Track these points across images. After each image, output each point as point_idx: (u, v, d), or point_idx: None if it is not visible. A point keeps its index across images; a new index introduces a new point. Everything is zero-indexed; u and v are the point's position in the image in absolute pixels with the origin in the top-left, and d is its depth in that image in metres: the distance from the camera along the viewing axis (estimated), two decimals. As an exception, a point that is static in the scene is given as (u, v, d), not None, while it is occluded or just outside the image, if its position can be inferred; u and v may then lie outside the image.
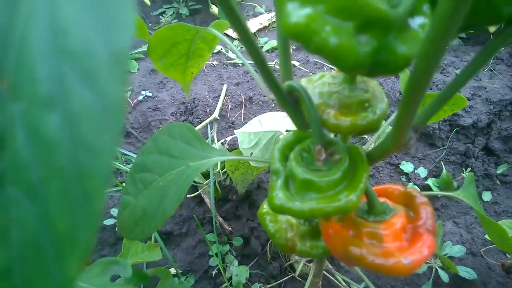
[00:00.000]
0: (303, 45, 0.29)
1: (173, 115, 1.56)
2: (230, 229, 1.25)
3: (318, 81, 0.54)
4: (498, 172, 1.53)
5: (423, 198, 0.60)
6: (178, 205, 0.55)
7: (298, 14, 0.28)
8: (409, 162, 1.51)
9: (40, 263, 0.19)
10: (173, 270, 1.15)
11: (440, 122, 1.50)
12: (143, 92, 1.67)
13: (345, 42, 0.29)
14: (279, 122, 0.90)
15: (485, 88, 1.63)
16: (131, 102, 1.59)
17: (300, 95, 0.49)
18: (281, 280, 1.23)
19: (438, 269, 1.26)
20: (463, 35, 2.10)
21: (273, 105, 1.54)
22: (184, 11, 2.41)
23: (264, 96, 1.60)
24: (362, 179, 0.49)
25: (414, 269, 0.51)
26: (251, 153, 0.94)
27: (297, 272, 1.19)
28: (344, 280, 1.23)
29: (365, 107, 0.51)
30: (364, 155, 0.51)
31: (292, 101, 0.52)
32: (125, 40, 0.16)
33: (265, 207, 0.68)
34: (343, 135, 0.59)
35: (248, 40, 0.38)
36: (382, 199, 0.60)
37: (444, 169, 1.48)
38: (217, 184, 1.22)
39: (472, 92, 1.61)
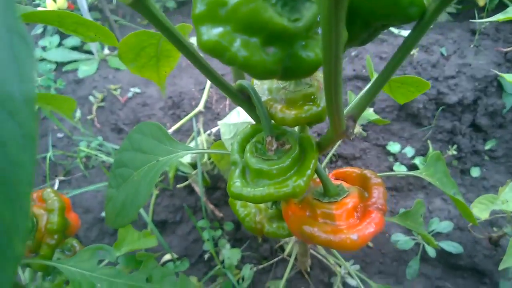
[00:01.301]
0: (219, 59, 0.35)
1: (161, 110, 1.62)
2: (221, 215, 1.32)
3: (268, 78, 0.59)
4: (486, 148, 1.57)
5: (377, 179, 0.65)
6: (148, 197, 0.61)
7: (210, 33, 0.34)
8: (396, 143, 1.55)
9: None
10: (169, 256, 1.22)
11: (425, 101, 1.54)
12: (132, 89, 1.73)
13: (252, 55, 0.34)
14: (244, 115, 0.95)
15: (470, 65, 1.66)
16: (121, 99, 1.66)
17: (249, 93, 0.54)
18: (273, 261, 1.29)
19: (425, 245, 1.31)
20: (453, 10, 2.12)
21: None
22: (171, 4, 2.45)
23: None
24: (310, 165, 0.54)
25: (362, 244, 0.56)
26: (232, 143, 0.99)
27: (286, 253, 1.25)
28: (333, 260, 1.29)
29: (310, 100, 0.56)
30: (314, 143, 0.57)
31: (244, 98, 0.57)
32: (31, 87, 0.21)
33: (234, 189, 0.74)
34: (301, 127, 0.64)
35: (182, 48, 0.43)
36: (339, 182, 0.66)
37: (430, 148, 1.52)
38: (205, 174, 1.28)
39: (457, 70, 1.64)
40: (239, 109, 0.99)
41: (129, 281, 0.68)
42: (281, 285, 1.24)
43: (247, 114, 0.98)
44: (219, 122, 1.08)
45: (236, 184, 0.55)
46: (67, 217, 0.75)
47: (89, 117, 1.63)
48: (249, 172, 0.55)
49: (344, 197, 0.60)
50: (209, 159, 1.26)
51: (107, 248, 0.66)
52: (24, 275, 0.83)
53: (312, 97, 0.56)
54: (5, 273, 0.26)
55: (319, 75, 0.59)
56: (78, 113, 1.65)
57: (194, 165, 1.29)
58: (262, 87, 0.57)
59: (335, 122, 0.50)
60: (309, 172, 0.54)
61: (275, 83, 0.57)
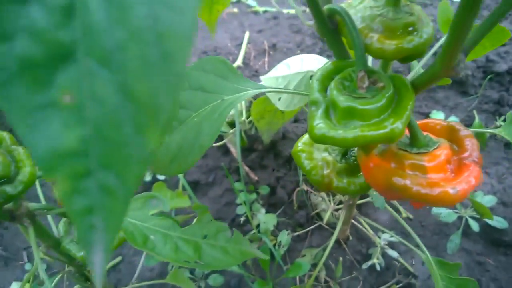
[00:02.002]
0: None
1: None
2: (256, 178, 1.25)
3: (359, 5, 0.51)
4: (533, 121, 1.49)
5: (467, 131, 0.58)
6: (213, 139, 0.54)
7: None
8: (440, 111, 1.47)
9: (118, 139, 0.18)
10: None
11: (473, 68, 1.46)
12: (164, 45, 1.64)
13: None
14: (309, 64, 0.88)
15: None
16: None
17: (342, 18, 0.47)
18: (308, 229, 1.23)
19: (468, 218, 1.24)
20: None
21: (298, 51, 1.51)
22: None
23: (289, 43, 1.56)
24: (408, 106, 0.47)
25: (460, 198, 0.50)
26: (279, 98, 0.92)
27: (325, 220, 1.19)
28: (371, 228, 1.23)
29: (410, 31, 0.49)
30: (408, 83, 0.50)
31: (332, 27, 0.50)
32: None
33: (299, 145, 0.67)
34: (383, 65, 0.57)
35: None
36: (425, 133, 0.59)
37: (476, 118, 1.44)
38: (242, 133, 1.21)
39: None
40: (288, 62, 0.92)
41: (184, 234, 0.62)
42: (324, 255, 1.18)
43: (301, 66, 0.91)
44: (262, 77, 1.00)
45: (319, 125, 0.48)
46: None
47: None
48: (336, 112, 0.48)
49: (435, 148, 0.54)
50: (247, 117, 1.19)
51: (160, 197, 0.60)
52: (58, 228, 0.78)
53: (411, 28, 0.49)
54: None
55: (417, 7, 0.52)
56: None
57: (230, 124, 1.22)
58: (355, 16, 0.50)
59: (449, 55, 0.43)
60: (407, 113, 0.47)
61: (368, 11, 0.50)
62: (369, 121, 0.47)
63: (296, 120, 1.32)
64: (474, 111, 1.46)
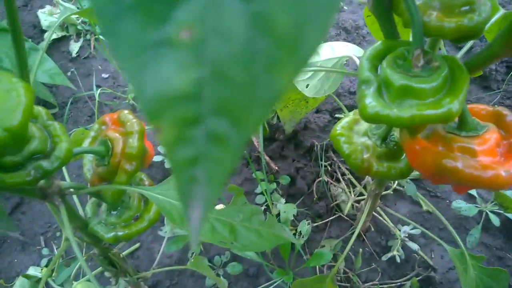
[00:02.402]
0: None
1: None
2: (276, 168, 1.24)
3: (416, -18, 0.50)
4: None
5: (513, 117, 0.57)
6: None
7: None
8: (458, 106, 1.45)
9: (242, 79, 0.16)
10: (221, 206, 1.15)
11: (497, 63, 1.44)
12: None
13: None
14: (341, 50, 0.86)
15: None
16: None
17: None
18: (328, 220, 1.22)
19: (489, 213, 1.23)
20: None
21: (322, 42, 1.49)
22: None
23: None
24: (463, 87, 0.46)
25: (512, 182, 0.48)
26: (307, 85, 0.90)
27: (346, 211, 1.18)
28: (391, 221, 1.22)
29: (468, 10, 0.47)
30: (462, 64, 0.48)
31: (388, 4, 0.48)
32: None
33: (338, 128, 0.66)
34: (432, 45, 0.55)
35: None
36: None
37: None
38: (264, 122, 1.20)
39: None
40: (333, 44, 0.90)
41: (220, 215, 0.60)
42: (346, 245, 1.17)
43: (331, 53, 0.89)
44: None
45: (372, 104, 0.46)
46: (145, 143, 0.67)
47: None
48: (389, 90, 0.47)
49: (484, 132, 0.52)
50: (270, 106, 1.18)
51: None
52: (85, 210, 0.77)
53: (470, 6, 0.47)
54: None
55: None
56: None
57: (253, 112, 1.21)
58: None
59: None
60: (463, 94, 0.45)
61: (426, -13, 0.48)
62: (425, 100, 0.45)
63: (318, 111, 1.31)
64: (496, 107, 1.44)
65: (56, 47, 1.62)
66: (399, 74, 0.46)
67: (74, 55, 1.59)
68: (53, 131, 0.56)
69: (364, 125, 0.67)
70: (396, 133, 0.65)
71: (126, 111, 0.66)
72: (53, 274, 0.95)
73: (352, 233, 1.22)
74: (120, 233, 0.71)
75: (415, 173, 1.00)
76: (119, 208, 0.73)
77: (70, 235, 0.60)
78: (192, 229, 0.19)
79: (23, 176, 0.51)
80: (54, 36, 1.59)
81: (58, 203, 0.64)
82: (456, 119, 0.54)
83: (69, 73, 1.55)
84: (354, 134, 0.66)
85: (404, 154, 0.64)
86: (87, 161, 0.71)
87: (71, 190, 0.65)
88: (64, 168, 0.89)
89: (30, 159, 0.52)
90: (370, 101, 0.47)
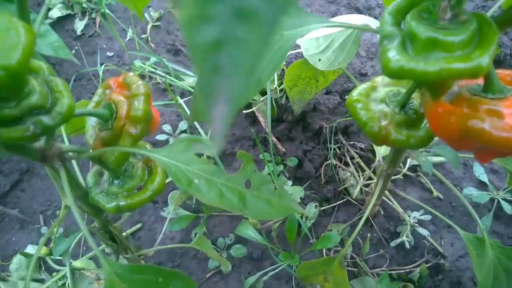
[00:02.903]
0: None
1: None
2: (283, 150, 1.21)
3: None
4: None
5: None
6: (273, 74, 0.50)
7: None
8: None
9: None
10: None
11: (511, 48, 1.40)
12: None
13: None
14: (356, 22, 0.83)
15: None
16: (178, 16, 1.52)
17: None
18: (335, 204, 1.19)
19: (501, 200, 1.20)
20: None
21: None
22: None
23: (323, 13, 1.51)
24: (493, 42, 0.43)
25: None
26: (319, 59, 0.87)
27: (355, 195, 1.15)
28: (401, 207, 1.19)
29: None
30: (490, 20, 0.45)
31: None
32: None
33: (354, 94, 0.63)
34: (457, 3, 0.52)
35: None
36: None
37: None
38: (273, 102, 1.17)
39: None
40: (347, 17, 0.86)
41: (228, 182, 0.57)
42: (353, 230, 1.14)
43: (357, 21, 0.85)
44: (299, 40, 0.95)
45: (395, 57, 0.43)
46: (150, 108, 0.64)
47: (143, 36, 1.51)
48: (414, 43, 0.44)
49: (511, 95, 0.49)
50: (279, 85, 1.15)
51: (205, 141, 0.56)
52: (87, 179, 0.74)
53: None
54: None
55: None
56: (130, 32, 1.53)
57: (261, 92, 1.17)
58: None
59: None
60: (493, 47, 0.42)
61: None
62: (453, 53, 0.42)
63: (328, 92, 1.28)
64: (510, 93, 1.40)
65: (61, 25, 1.59)
66: (425, 26, 0.43)
67: (78, 33, 1.56)
68: (55, 87, 0.53)
69: (381, 92, 0.63)
70: (415, 101, 0.62)
71: (131, 74, 0.63)
72: (51, 245, 0.92)
73: (360, 218, 1.19)
74: (122, 203, 0.68)
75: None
76: (121, 177, 0.71)
77: (70, 201, 0.57)
78: (216, 130, 0.16)
79: (22, 131, 0.48)
80: (59, 14, 1.56)
81: (58, 167, 0.61)
82: (482, 82, 0.51)
83: (73, 51, 1.52)
84: (371, 101, 0.62)
85: (424, 122, 0.61)
86: (90, 126, 0.68)
87: (72, 154, 0.63)
88: (65, 138, 0.87)
89: (29, 114, 0.49)
90: (394, 55, 0.43)
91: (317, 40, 0.89)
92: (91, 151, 0.65)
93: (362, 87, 0.64)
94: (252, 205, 0.58)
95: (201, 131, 1.12)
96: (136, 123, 0.60)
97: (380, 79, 0.66)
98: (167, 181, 0.75)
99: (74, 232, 0.75)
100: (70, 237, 0.75)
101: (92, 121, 0.69)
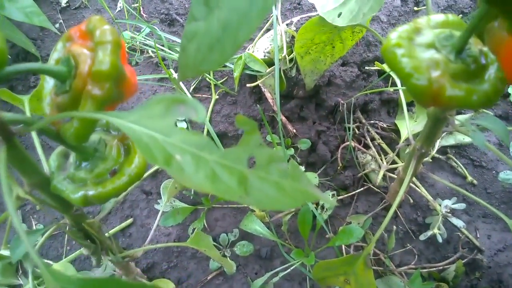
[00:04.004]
0: None
1: None
2: (294, 131, 1.05)
3: None
4: None
5: None
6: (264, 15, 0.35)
7: None
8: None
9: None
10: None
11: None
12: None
13: None
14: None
15: None
16: None
17: None
18: (354, 192, 1.03)
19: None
20: None
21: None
22: None
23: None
24: None
25: None
26: (339, 14, 0.71)
27: (378, 182, 0.99)
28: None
29: None
30: None
31: None
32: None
33: (393, 38, 0.47)
34: None
35: None
36: None
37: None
38: (281, 74, 1.00)
39: None
40: None
41: (224, 159, 0.41)
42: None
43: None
44: (312, -2, 0.79)
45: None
46: (123, 64, 0.48)
47: (134, 5, 1.35)
48: None
49: None
50: (289, 54, 0.98)
51: (191, 102, 0.40)
52: (49, 162, 0.58)
53: None
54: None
55: None
56: (119, 3, 1.37)
57: (267, 63, 1.01)
58: None
59: None
60: None
61: None
62: None
63: (344, 63, 1.11)
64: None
65: (44, -3, 1.43)
66: None
67: (63, 5, 1.40)
68: None
69: (428, 35, 0.47)
70: (472, 46, 0.46)
71: (96, 17, 0.47)
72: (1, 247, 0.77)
73: (384, 209, 1.03)
74: (90, 192, 0.53)
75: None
76: (91, 159, 0.55)
77: (9, 199, 0.42)
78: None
79: None
80: (41, -15, 1.40)
81: (-1, 144, 0.45)
82: None
83: (57, 25, 1.36)
84: (416, 47, 0.46)
85: (488, 73, 0.45)
86: (47, 93, 0.52)
87: (18, 127, 0.47)
88: (27, 111, 0.71)
89: None
90: None
91: (335, -8, 0.73)
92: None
93: (403, 29, 0.47)
94: (256, 191, 0.42)
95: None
96: (100, 81, 0.44)
97: (424, 20, 0.49)
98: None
99: (37, 231, 0.60)
100: (31, 235, 0.60)
101: (50, 85, 0.53)
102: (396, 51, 0.45)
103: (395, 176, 1.01)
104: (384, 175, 1.02)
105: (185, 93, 1.11)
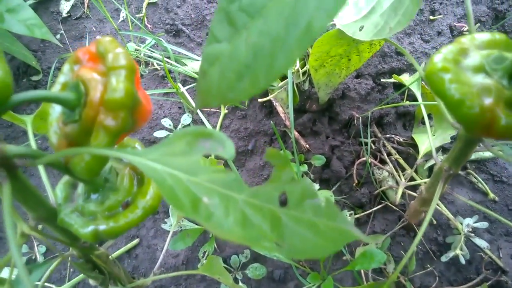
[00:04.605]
0: None
1: None
2: (307, 146, 1.00)
3: None
4: None
5: None
6: (328, 22, 0.30)
7: None
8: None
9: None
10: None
11: None
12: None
13: None
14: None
15: None
16: None
17: None
18: (371, 210, 0.99)
19: None
20: None
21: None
22: None
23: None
24: None
25: None
26: (361, 27, 0.67)
27: (397, 200, 0.94)
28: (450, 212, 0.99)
29: None
30: None
31: None
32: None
33: (437, 61, 0.42)
34: None
35: None
36: None
37: None
38: (295, 88, 0.96)
39: None
40: None
41: (254, 198, 0.37)
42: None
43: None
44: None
45: None
46: (137, 89, 0.44)
47: (138, 15, 1.31)
48: None
49: None
50: (302, 66, 0.94)
51: (218, 136, 0.36)
52: (55, 193, 0.54)
53: None
54: None
55: None
56: (122, 12, 1.32)
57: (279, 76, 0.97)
58: None
59: None
60: None
61: None
62: None
63: (359, 75, 1.06)
64: None
65: (44, 7, 1.38)
66: None
67: (64, 15, 1.35)
68: None
69: (475, 57, 0.43)
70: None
71: (107, 38, 0.43)
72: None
73: (402, 227, 0.99)
74: (102, 227, 0.48)
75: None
76: (101, 190, 0.51)
77: (12, 236, 0.38)
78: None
79: None
80: (42, -6, 1.36)
81: (1, 179, 0.41)
82: None
83: (58, 36, 1.32)
84: (463, 70, 0.42)
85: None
86: (54, 119, 0.48)
87: (23, 160, 0.43)
88: (32, 139, 0.67)
89: None
90: None
91: (356, 4, 0.69)
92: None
93: (447, 50, 0.43)
94: (291, 234, 0.38)
95: (209, 127, 0.91)
96: (114, 111, 0.40)
97: (468, 40, 0.45)
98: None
99: (40, 265, 0.56)
100: (35, 270, 0.56)
101: (57, 112, 0.49)
102: (443, 77, 0.40)
103: (414, 194, 0.96)
104: (405, 193, 0.98)
105: (193, 107, 1.07)
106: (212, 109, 1.10)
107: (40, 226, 0.60)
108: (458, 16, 1.15)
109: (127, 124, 0.41)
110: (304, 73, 0.95)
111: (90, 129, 0.41)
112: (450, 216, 0.96)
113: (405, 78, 0.98)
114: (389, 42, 0.70)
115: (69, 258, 0.61)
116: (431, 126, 1.05)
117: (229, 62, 0.38)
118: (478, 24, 1.15)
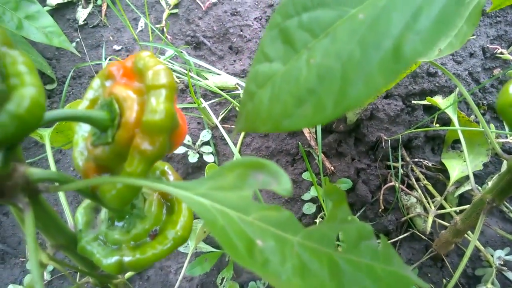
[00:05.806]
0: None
1: (257, 21, 1.22)
2: (332, 168, 0.96)
3: None
4: None
5: None
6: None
7: None
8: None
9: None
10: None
11: None
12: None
13: None
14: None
15: None
16: (202, 5, 1.27)
17: None
18: (397, 238, 0.94)
19: None
20: None
21: None
22: None
23: None
24: None
25: None
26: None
27: (428, 228, 0.89)
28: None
29: None
30: None
31: None
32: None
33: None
34: None
35: None
36: None
37: None
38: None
39: None
40: None
41: (310, 240, 0.33)
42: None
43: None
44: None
45: None
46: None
47: (158, 25, 1.27)
48: None
49: None
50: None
51: (273, 169, 0.31)
52: (76, 217, 0.50)
53: None
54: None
55: None
56: (141, 22, 1.29)
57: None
58: None
59: None
60: None
61: None
62: None
63: (388, 96, 1.02)
64: None
65: (60, 14, 1.35)
66: None
67: (81, 22, 1.32)
68: (10, 66, 0.29)
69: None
70: None
71: (147, 53, 0.39)
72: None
73: (430, 258, 0.93)
74: (127, 259, 0.44)
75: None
76: (127, 216, 0.46)
77: (34, 264, 0.33)
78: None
79: None
80: (59, 1, 1.33)
81: (24, 206, 0.37)
82: None
83: (74, 44, 1.28)
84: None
85: None
86: (80, 138, 0.44)
87: (47, 185, 0.38)
88: (50, 156, 0.63)
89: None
90: None
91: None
92: (81, 179, 0.41)
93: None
94: (350, 283, 0.33)
95: (231, 144, 0.87)
96: (153, 134, 0.36)
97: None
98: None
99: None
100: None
101: (83, 130, 0.44)
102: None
103: (444, 223, 0.91)
104: (435, 221, 0.93)
105: (213, 123, 1.03)
106: (232, 125, 1.06)
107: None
108: (491, 38, 1.11)
109: (164, 148, 0.37)
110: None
111: (123, 153, 0.37)
112: (481, 247, 0.91)
113: (439, 101, 0.93)
114: (434, 64, 0.66)
115: (85, 285, 0.56)
116: (460, 151, 1.01)
117: (285, 84, 0.34)
118: None
